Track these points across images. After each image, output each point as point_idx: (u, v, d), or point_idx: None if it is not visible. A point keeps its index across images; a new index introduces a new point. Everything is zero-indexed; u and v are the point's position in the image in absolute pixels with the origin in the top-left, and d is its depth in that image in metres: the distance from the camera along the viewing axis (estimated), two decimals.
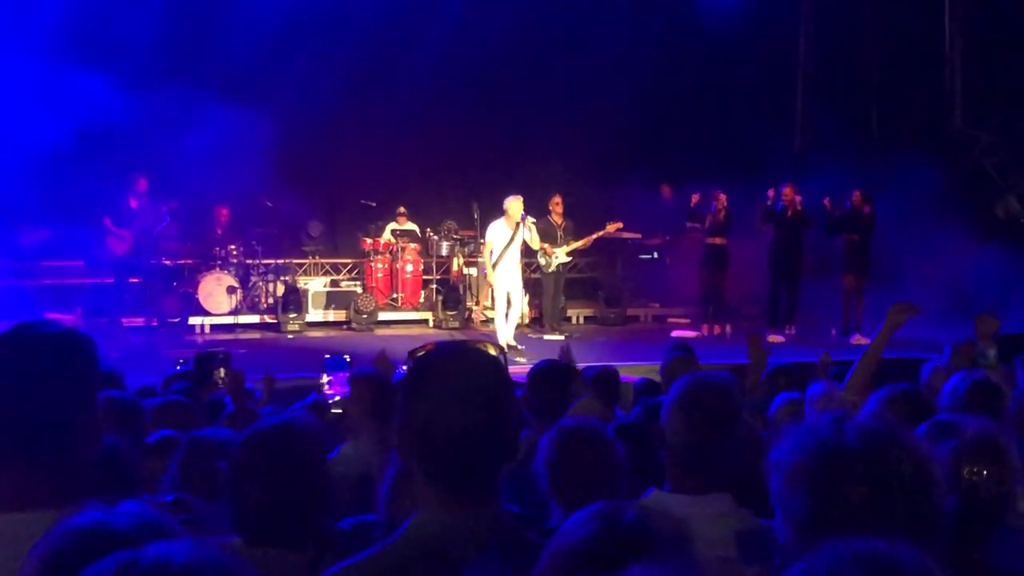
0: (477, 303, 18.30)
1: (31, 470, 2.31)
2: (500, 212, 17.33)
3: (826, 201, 16.74)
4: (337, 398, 4.31)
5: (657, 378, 8.49)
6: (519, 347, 14.97)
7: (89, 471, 2.41)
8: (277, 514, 3.02)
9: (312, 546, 3.05)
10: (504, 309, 15.37)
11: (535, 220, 15.57)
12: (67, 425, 2.35)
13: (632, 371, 11.61)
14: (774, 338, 16.34)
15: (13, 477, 2.30)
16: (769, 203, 16.54)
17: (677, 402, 3.41)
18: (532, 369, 5.91)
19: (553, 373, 5.78)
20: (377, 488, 3.78)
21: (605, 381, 6.76)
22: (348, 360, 4.39)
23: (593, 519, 2.04)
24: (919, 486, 2.05)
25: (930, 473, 2.07)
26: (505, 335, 15.09)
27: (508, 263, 15.27)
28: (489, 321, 18.02)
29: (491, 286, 15.95)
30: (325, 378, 4.35)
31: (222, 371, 6.23)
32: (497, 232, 15.28)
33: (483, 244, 16.33)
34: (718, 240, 16.78)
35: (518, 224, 15.18)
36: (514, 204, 15.21)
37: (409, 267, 18.60)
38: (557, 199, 17.06)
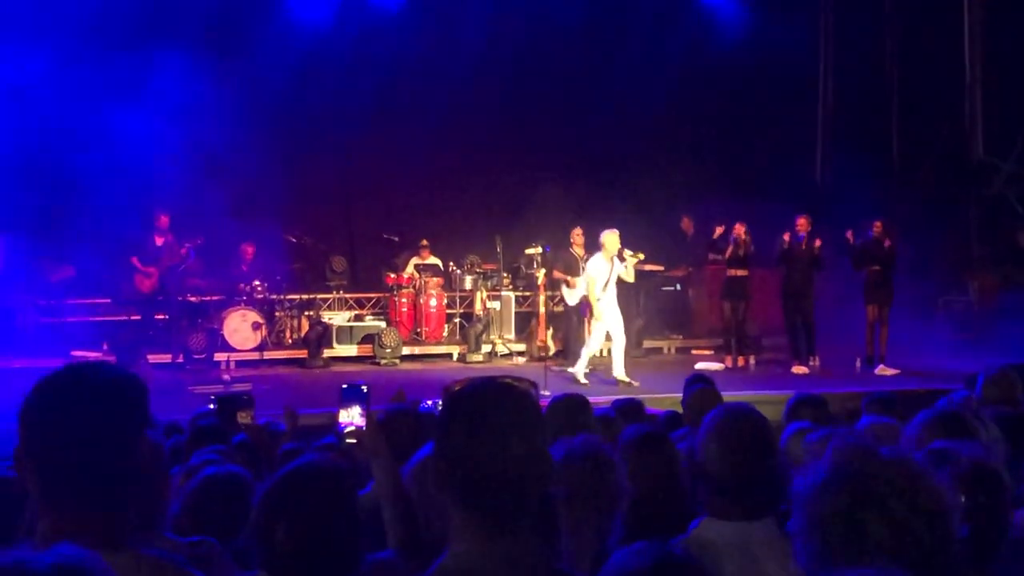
0: (500, 336, 18.35)
1: (77, 514, 2.30)
2: (523, 245, 17.41)
3: (848, 234, 16.73)
4: (351, 428, 4.33)
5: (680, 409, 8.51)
6: (633, 383, 15.00)
7: (129, 517, 2.40)
8: (307, 553, 3.07)
9: None
10: (599, 344, 15.44)
11: (627, 253, 15.32)
12: (117, 470, 2.35)
13: (658, 403, 11.63)
14: (798, 368, 16.36)
15: (57, 520, 2.30)
16: (784, 247, 16.51)
17: (712, 433, 3.47)
18: (552, 400, 5.93)
19: (569, 406, 5.81)
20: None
21: (631, 413, 6.78)
22: (366, 390, 4.40)
23: (645, 552, 2.08)
24: (939, 520, 2.09)
25: (948, 505, 2.11)
26: (618, 371, 15.16)
27: (606, 298, 15.23)
28: (511, 355, 18.06)
29: (590, 320, 15.72)
30: (345, 411, 4.38)
31: (245, 413, 6.25)
32: (597, 267, 15.17)
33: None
34: (740, 272, 16.78)
35: (613, 258, 15.14)
36: (610, 238, 15.10)
37: (433, 301, 18.64)
38: (578, 231, 17.07)
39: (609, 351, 15.97)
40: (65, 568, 1.74)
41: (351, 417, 4.36)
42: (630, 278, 15.48)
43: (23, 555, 1.75)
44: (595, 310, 15.15)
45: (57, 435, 2.31)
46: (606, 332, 15.33)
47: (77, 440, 2.30)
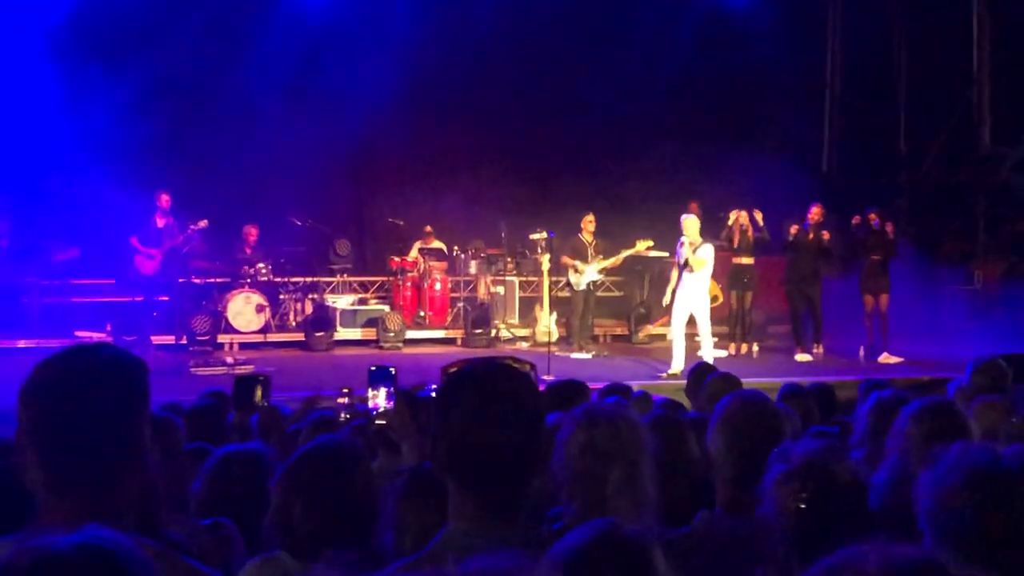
0: (504, 321, 18.34)
1: (79, 498, 2.27)
2: (529, 230, 17.38)
3: (855, 219, 16.70)
4: (381, 409, 4.33)
5: (681, 398, 8.51)
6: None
7: (131, 502, 2.37)
8: (325, 531, 3.07)
9: (357, 562, 3.10)
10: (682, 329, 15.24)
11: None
12: (119, 453, 2.32)
13: (658, 389, 11.62)
14: (802, 356, 16.36)
15: (58, 504, 2.27)
16: (791, 237, 16.48)
17: (720, 423, 3.44)
18: (551, 385, 5.94)
19: (566, 390, 5.79)
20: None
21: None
22: (394, 372, 4.40)
23: (592, 527, 2.04)
24: None
25: None
26: (710, 354, 15.02)
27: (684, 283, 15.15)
28: (515, 339, 18.05)
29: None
30: (371, 392, 4.37)
31: (259, 392, 6.27)
32: (701, 252, 15.07)
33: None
34: (745, 259, 16.76)
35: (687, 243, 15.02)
36: (687, 223, 15.08)
37: (437, 286, 18.61)
38: (590, 217, 17.05)
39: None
40: (91, 548, 1.72)
41: (380, 399, 4.37)
42: (697, 267, 15.06)
43: (47, 538, 1.72)
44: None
45: (57, 417, 2.28)
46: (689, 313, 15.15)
47: (77, 422, 2.27)
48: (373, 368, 4.42)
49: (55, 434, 2.27)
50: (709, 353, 14.98)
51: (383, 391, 4.35)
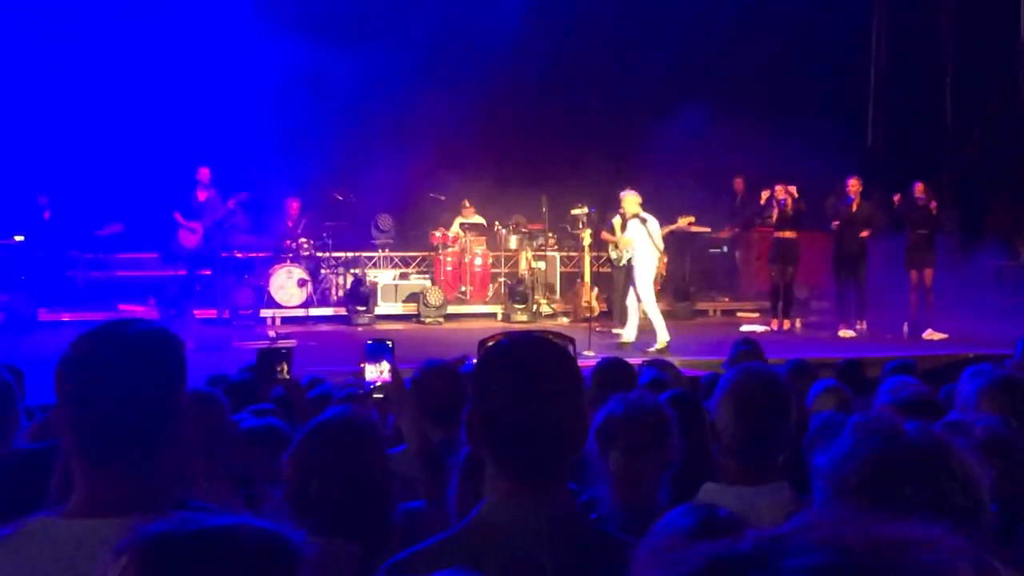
0: (545, 297, 18.32)
1: (116, 475, 2.25)
2: (569, 205, 17.32)
3: (896, 197, 16.54)
4: (378, 384, 4.33)
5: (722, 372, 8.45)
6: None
7: (169, 477, 2.35)
8: (339, 504, 3.06)
9: (372, 536, 3.12)
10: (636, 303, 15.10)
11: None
12: (155, 429, 2.29)
13: (701, 365, 11.59)
14: (845, 332, 16.25)
15: (96, 482, 2.25)
16: (832, 208, 16.35)
17: (726, 395, 3.42)
18: (596, 365, 5.81)
19: (617, 370, 5.71)
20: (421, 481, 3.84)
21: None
22: (391, 345, 4.38)
23: (691, 512, 2.05)
24: (971, 487, 2.03)
25: (978, 474, 2.06)
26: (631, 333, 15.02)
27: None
28: (556, 315, 18.04)
29: None
30: (368, 366, 4.36)
31: (285, 367, 6.29)
32: (629, 231, 15.00)
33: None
34: (787, 234, 16.63)
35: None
36: (625, 199, 15.10)
37: (478, 260, 18.63)
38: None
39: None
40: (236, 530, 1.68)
41: (378, 373, 4.37)
42: (623, 245, 15.18)
43: (182, 521, 1.67)
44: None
45: (94, 391, 2.26)
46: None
47: (113, 396, 2.25)
48: (370, 342, 4.42)
49: (91, 410, 2.26)
50: (631, 332, 14.97)
51: (382, 365, 4.34)
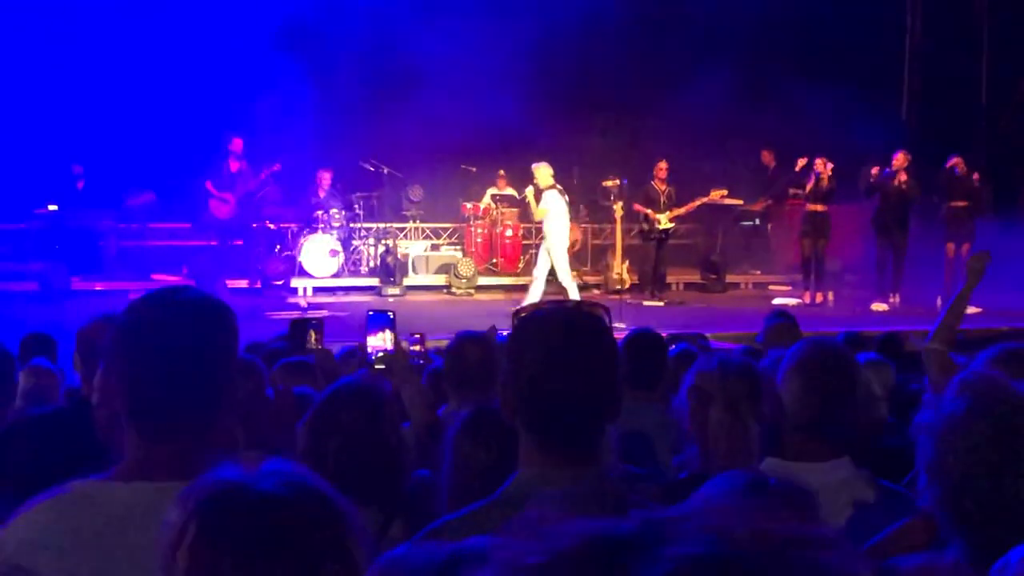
0: (576, 269, 18.29)
1: (168, 440, 2.26)
2: (600, 177, 17.28)
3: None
4: (380, 354, 4.32)
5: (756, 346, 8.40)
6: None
7: (219, 443, 2.33)
8: (355, 470, 3.06)
9: (388, 502, 3.13)
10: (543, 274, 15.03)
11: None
12: (209, 394, 2.31)
13: (732, 338, 11.54)
14: (878, 305, 16.15)
15: (148, 445, 2.25)
16: (873, 180, 16.21)
17: (795, 368, 3.37)
18: (627, 337, 5.59)
19: (648, 341, 5.62)
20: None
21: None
22: (392, 316, 4.38)
23: (740, 475, 2.03)
24: None
25: None
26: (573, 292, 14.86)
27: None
28: (587, 286, 18.00)
29: None
30: (370, 336, 4.35)
31: (314, 336, 6.30)
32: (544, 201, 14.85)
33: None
34: (820, 207, 16.52)
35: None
36: (537, 170, 15.00)
37: (509, 232, 18.61)
38: (662, 164, 16.97)
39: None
40: (294, 486, 1.69)
41: (380, 342, 4.36)
42: (538, 215, 15.02)
43: (242, 475, 1.68)
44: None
45: (151, 356, 2.27)
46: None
47: (170, 360, 2.26)
48: (371, 312, 4.41)
49: (148, 373, 2.26)
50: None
51: (385, 335, 4.33)
